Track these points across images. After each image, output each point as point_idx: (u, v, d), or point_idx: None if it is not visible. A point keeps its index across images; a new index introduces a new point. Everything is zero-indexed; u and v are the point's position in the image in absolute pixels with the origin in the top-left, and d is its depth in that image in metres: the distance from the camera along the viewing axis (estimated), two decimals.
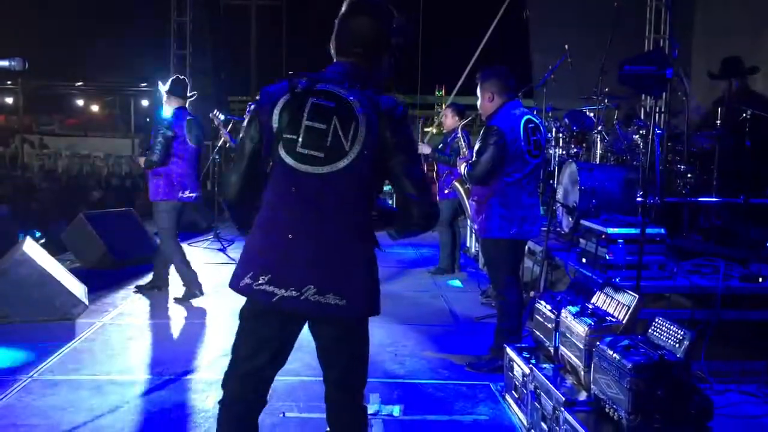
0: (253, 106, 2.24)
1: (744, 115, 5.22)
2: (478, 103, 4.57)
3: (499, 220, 4.38)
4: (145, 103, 16.84)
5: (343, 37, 2.37)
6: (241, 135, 2.37)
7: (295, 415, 3.78)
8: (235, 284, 2.30)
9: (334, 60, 2.40)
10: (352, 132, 2.23)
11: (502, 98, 4.45)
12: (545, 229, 5.57)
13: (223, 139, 8.82)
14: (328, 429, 2.54)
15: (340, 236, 2.25)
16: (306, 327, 2.42)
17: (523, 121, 4.37)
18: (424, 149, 7.25)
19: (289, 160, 2.24)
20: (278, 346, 2.39)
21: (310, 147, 2.24)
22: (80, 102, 25.80)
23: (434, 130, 15.86)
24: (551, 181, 6.51)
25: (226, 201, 2.39)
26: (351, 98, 2.26)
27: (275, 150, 2.26)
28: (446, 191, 6.96)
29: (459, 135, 5.71)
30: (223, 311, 5.87)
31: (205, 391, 4.08)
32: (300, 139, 2.24)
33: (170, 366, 4.50)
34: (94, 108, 26.76)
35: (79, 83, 17.51)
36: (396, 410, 3.86)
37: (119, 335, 5.12)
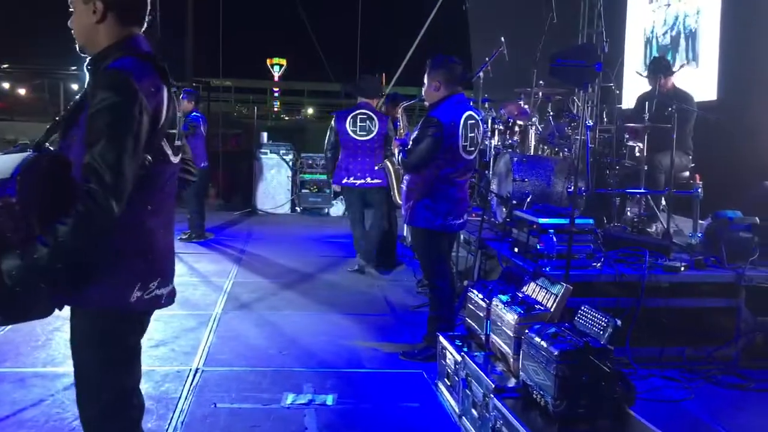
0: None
1: (670, 109, 5.39)
2: (423, 88, 4.57)
3: (425, 211, 4.42)
4: (74, 86, 16.30)
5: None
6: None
7: (227, 406, 3.74)
8: (122, 303, 2.10)
9: (135, 32, 2.19)
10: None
11: (448, 89, 4.45)
12: (479, 219, 5.65)
13: None
14: None
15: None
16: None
17: (463, 117, 4.39)
18: None
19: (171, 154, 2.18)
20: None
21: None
22: (6, 85, 24.78)
23: None
24: (486, 172, 6.60)
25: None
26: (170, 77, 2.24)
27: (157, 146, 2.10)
28: (376, 167, 7.01)
29: (400, 124, 5.71)
30: None
31: None
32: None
33: None
34: (21, 91, 25.76)
35: (5, 66, 16.81)
36: (329, 399, 3.86)
37: (43, 326, 4.95)
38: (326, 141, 7.02)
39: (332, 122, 6.95)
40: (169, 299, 2.27)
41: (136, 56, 2.07)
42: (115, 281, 2.08)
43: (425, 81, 4.53)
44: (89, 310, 2.11)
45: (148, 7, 2.22)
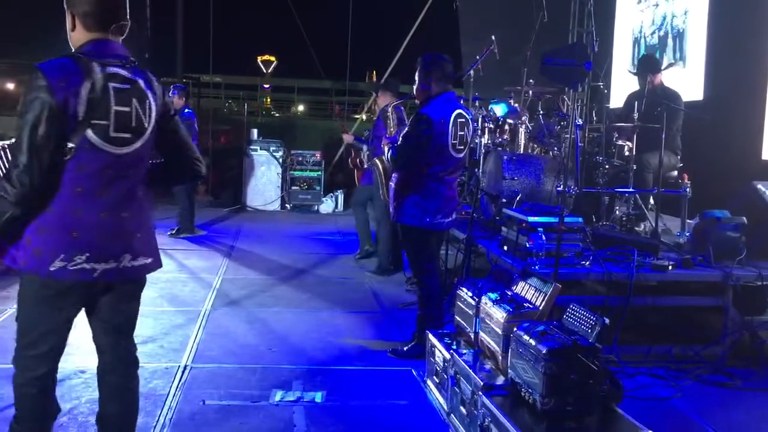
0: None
1: (659, 108, 5.42)
2: (414, 86, 4.56)
3: (414, 208, 4.42)
4: None
5: (110, 8, 2.44)
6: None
7: (216, 403, 3.74)
8: (42, 270, 2.34)
9: (98, 37, 2.42)
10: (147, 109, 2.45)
11: (439, 87, 4.44)
12: (469, 216, 5.66)
13: None
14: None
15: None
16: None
17: (453, 115, 4.39)
18: (347, 138, 7.27)
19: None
20: (70, 322, 2.54)
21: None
22: None
23: (364, 117, 15.89)
24: (476, 170, 6.61)
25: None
26: (138, 78, 2.44)
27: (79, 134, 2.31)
28: (366, 165, 6.99)
29: (389, 110, 5.62)
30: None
31: None
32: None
33: (85, 355, 4.36)
34: (9, 86, 25.58)
35: None
36: (318, 396, 3.87)
37: None
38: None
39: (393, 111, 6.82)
40: (107, 275, 2.43)
41: (71, 56, 2.34)
42: (39, 250, 2.34)
43: (416, 78, 4.53)
44: (21, 273, 2.42)
45: (117, 14, 2.44)
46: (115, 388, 2.65)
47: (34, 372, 2.50)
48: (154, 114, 2.47)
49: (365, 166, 7.25)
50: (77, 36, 2.42)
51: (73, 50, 2.41)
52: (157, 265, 2.61)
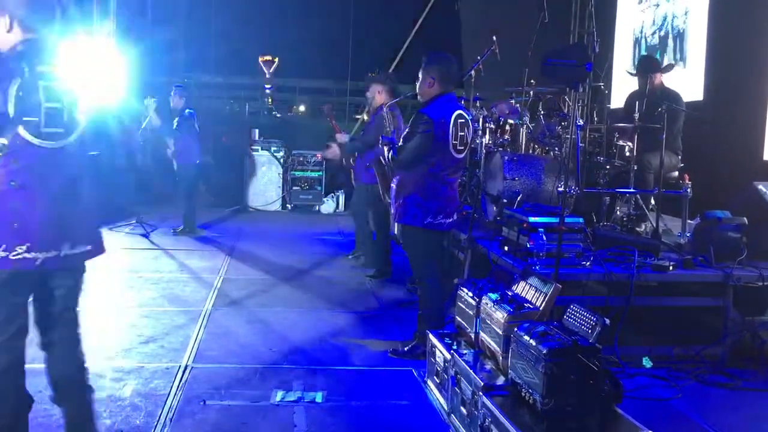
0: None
1: (660, 109, 5.42)
2: (417, 84, 4.56)
3: (415, 208, 4.42)
4: None
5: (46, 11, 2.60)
6: None
7: (216, 403, 3.74)
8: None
9: (31, 37, 2.55)
10: None
11: (442, 87, 4.45)
12: (470, 216, 5.66)
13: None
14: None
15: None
16: None
17: (453, 116, 4.39)
18: (341, 138, 7.28)
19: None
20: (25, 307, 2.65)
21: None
22: None
23: (365, 117, 15.88)
24: (477, 170, 6.60)
25: None
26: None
27: None
28: (367, 165, 6.98)
29: (384, 111, 5.56)
30: (140, 298, 5.75)
31: (123, 380, 3.99)
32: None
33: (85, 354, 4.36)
34: None
35: None
36: (318, 396, 3.87)
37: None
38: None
39: (388, 111, 6.65)
40: (48, 263, 2.54)
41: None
42: None
43: (420, 76, 4.52)
44: None
45: (48, 13, 2.57)
46: (60, 357, 2.79)
47: None
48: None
49: (351, 162, 7.25)
50: (11, 37, 2.53)
51: (6, 51, 2.52)
52: (97, 251, 2.74)
